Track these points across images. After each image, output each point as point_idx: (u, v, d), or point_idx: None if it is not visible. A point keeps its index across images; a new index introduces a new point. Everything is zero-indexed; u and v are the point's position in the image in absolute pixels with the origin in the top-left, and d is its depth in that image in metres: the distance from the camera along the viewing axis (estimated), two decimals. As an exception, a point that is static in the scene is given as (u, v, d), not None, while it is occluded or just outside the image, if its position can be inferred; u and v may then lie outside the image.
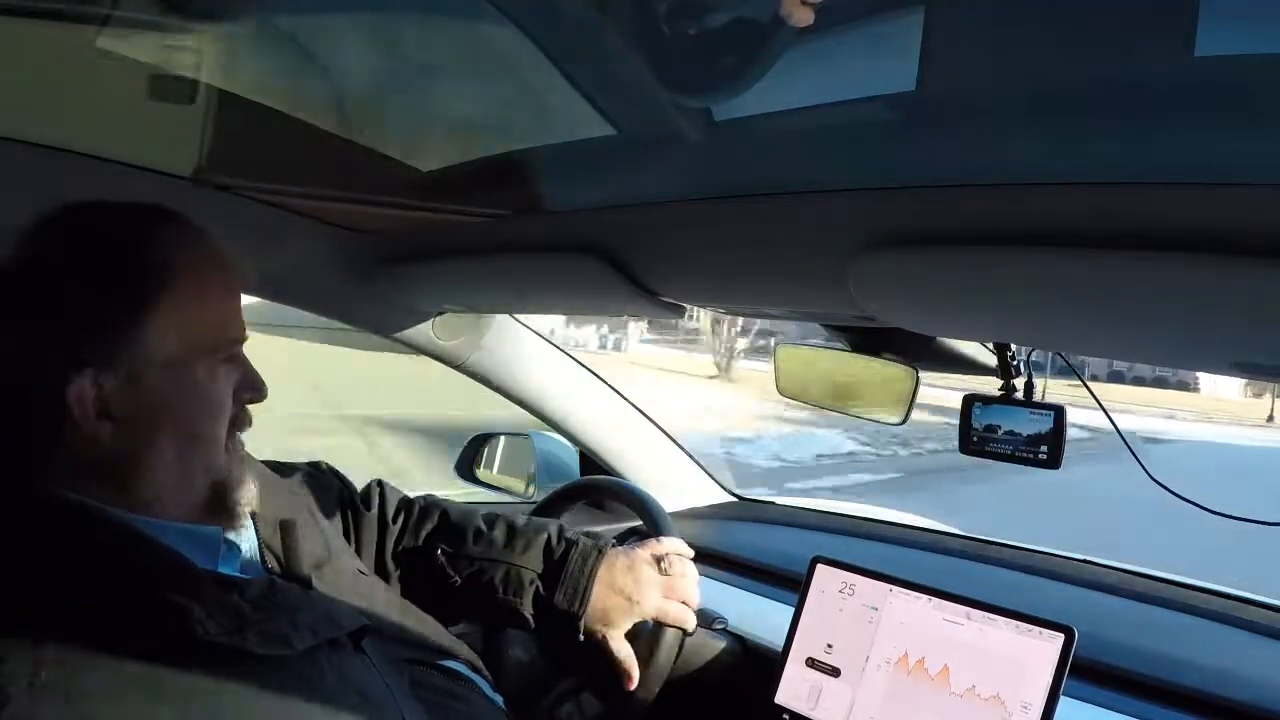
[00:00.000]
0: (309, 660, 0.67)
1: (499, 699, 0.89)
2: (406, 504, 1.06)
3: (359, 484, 1.06)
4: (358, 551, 0.98)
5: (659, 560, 1.01)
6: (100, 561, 0.62)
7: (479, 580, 0.99)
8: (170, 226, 0.70)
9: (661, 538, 1.05)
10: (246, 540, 0.76)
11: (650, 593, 0.98)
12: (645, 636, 1.07)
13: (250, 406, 0.75)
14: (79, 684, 0.56)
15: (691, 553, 1.04)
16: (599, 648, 0.97)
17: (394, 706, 0.72)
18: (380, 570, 1.01)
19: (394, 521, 1.03)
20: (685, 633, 1.01)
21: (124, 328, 0.66)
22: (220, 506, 0.72)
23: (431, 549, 1.01)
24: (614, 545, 1.01)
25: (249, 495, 0.74)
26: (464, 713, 0.83)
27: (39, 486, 0.65)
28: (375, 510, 1.03)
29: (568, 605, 0.96)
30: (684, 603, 1.01)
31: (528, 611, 0.97)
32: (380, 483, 1.06)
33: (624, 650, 0.98)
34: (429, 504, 1.06)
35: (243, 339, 0.74)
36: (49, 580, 0.60)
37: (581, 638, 0.97)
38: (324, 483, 1.00)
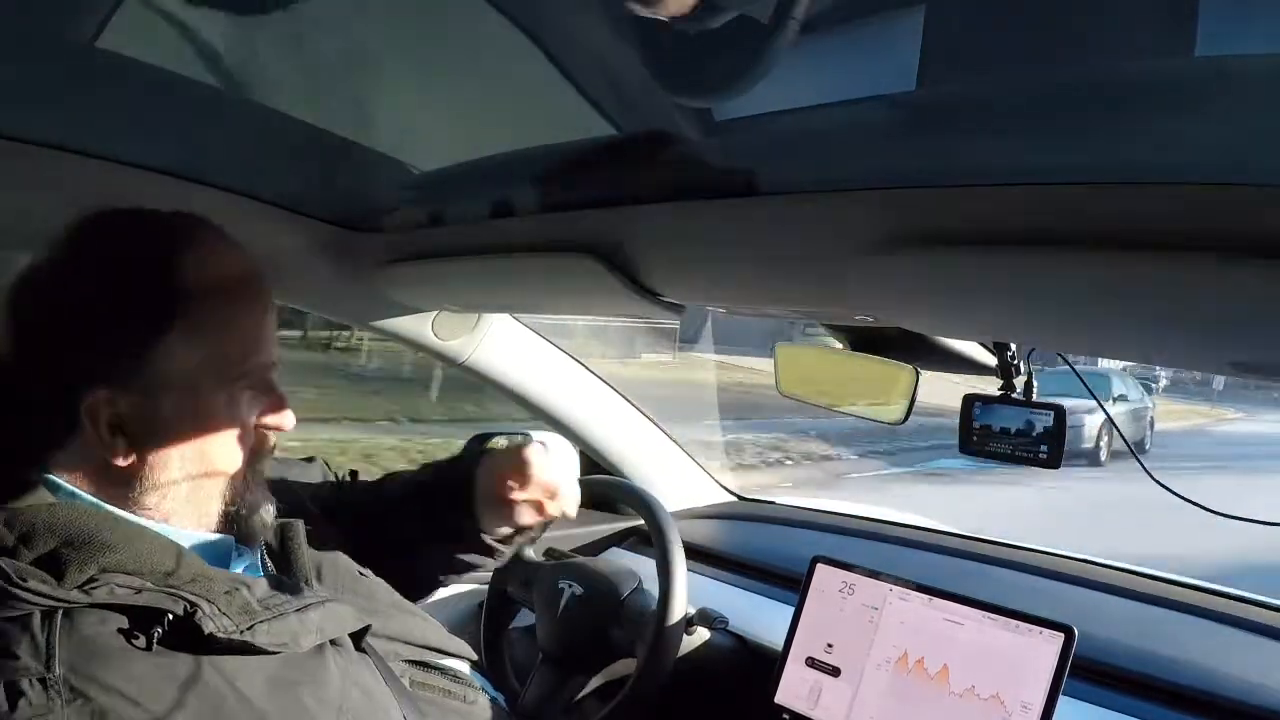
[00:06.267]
0: (315, 658, 0.67)
1: (500, 698, 0.89)
2: (350, 484, 1.06)
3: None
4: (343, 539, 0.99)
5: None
6: (112, 558, 0.62)
7: (382, 522, 0.96)
8: (203, 243, 0.69)
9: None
10: (258, 544, 0.76)
11: (536, 464, 0.92)
12: (646, 636, 1.07)
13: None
14: (91, 679, 0.57)
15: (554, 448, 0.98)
16: (505, 528, 0.94)
17: (395, 706, 0.73)
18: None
19: (342, 500, 1.02)
20: (563, 516, 0.95)
21: (142, 347, 0.65)
22: (235, 528, 0.72)
23: (357, 513, 0.99)
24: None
25: (266, 519, 0.73)
26: (464, 712, 0.83)
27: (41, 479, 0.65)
28: (348, 495, 1.03)
29: (454, 514, 0.93)
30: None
31: (420, 530, 0.94)
32: (353, 472, 1.08)
33: (524, 512, 0.93)
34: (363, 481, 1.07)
35: (273, 363, 0.72)
36: (60, 575, 0.60)
37: (490, 550, 0.94)
38: (317, 476, 1.02)
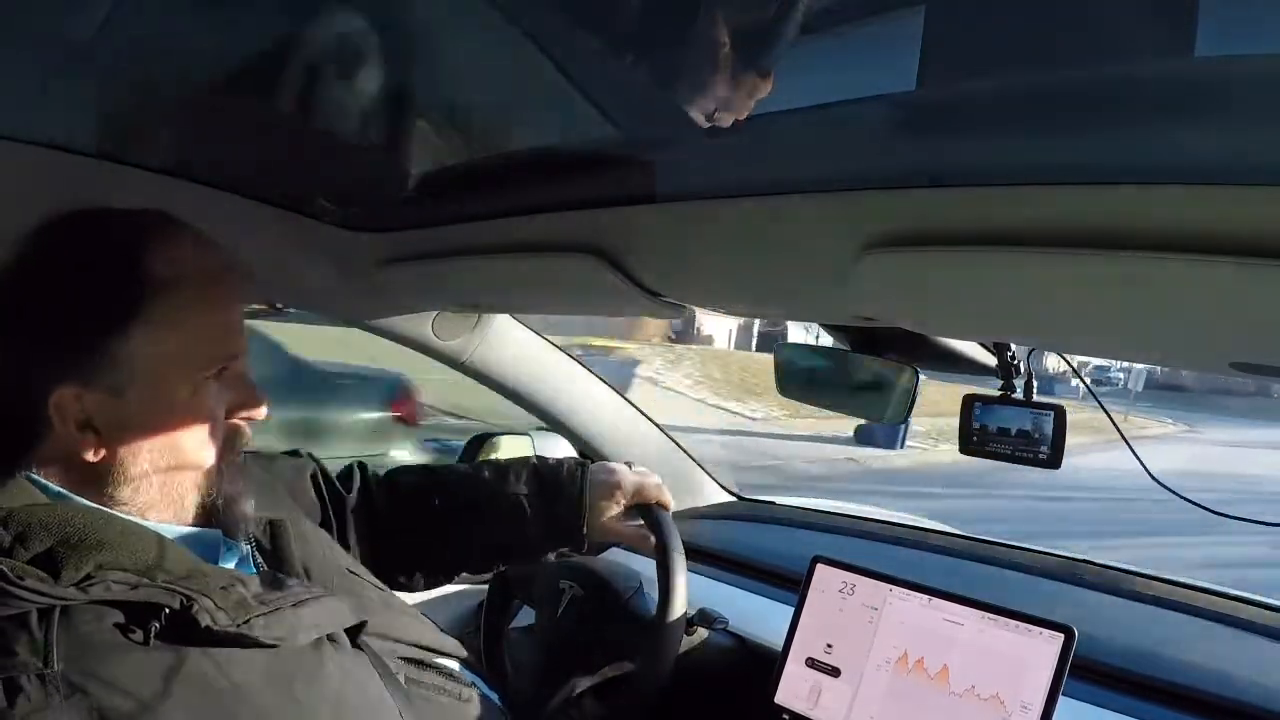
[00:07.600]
0: (312, 654, 0.68)
1: (494, 696, 0.89)
2: (389, 477, 1.10)
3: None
4: (343, 534, 1.00)
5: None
6: (107, 555, 0.62)
7: (481, 518, 1.03)
8: (166, 237, 0.69)
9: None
10: (243, 538, 0.77)
11: (626, 477, 1.06)
12: (646, 637, 1.07)
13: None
14: (89, 675, 0.57)
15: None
16: (605, 544, 1.09)
17: (391, 702, 0.73)
18: (373, 546, 1.03)
19: (378, 494, 1.06)
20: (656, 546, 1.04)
21: (104, 343, 0.65)
22: (215, 520, 0.72)
23: (425, 504, 1.05)
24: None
25: (244, 510, 0.74)
26: (460, 710, 0.83)
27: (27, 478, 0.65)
28: (356, 491, 1.05)
29: (570, 516, 1.03)
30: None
31: (533, 532, 1.03)
32: (361, 464, 1.10)
33: (628, 530, 1.06)
34: (407, 468, 1.12)
35: (239, 353, 0.72)
36: (57, 574, 0.60)
37: (585, 546, 1.05)
38: (305, 470, 1.03)
